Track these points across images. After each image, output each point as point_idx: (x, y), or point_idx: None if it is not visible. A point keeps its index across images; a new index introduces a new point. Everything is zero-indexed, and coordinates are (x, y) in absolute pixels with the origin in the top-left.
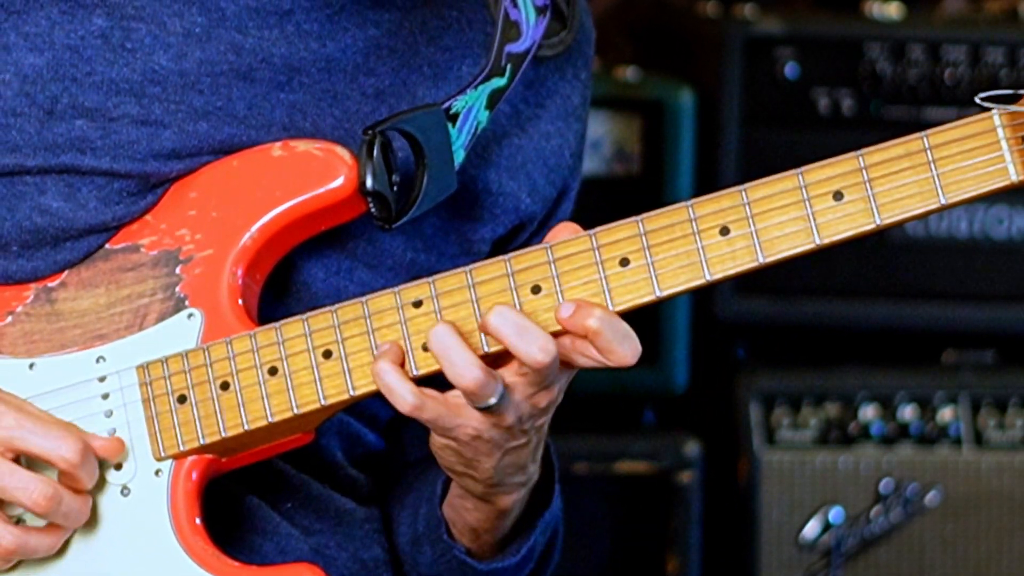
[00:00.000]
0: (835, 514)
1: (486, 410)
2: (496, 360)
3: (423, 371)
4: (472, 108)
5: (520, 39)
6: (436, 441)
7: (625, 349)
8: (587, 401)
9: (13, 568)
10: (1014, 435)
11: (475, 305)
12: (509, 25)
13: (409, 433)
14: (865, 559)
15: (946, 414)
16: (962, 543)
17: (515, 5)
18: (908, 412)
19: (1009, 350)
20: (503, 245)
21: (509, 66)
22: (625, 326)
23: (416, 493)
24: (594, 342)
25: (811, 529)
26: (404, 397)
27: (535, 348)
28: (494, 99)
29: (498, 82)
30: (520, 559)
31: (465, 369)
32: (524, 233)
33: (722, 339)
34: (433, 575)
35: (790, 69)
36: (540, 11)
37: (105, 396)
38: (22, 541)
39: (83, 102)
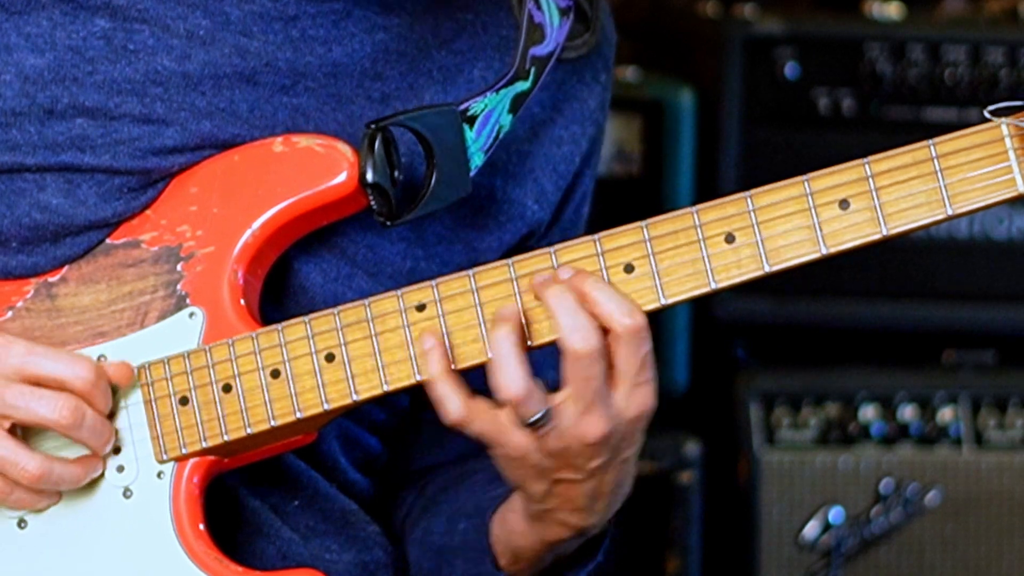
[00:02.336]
0: (835, 514)
1: (531, 426)
2: None
3: (426, 377)
4: (493, 111)
5: (544, 42)
6: (490, 448)
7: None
8: None
9: (15, 569)
10: (1014, 435)
11: (478, 309)
12: (533, 28)
13: (414, 441)
14: (865, 559)
15: (946, 414)
16: (962, 543)
17: (539, 7)
18: (908, 412)
19: (1009, 350)
20: (512, 255)
21: (533, 69)
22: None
23: (453, 504)
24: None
25: (811, 529)
26: (453, 409)
27: (578, 336)
28: (518, 103)
29: (522, 86)
30: None
31: (513, 380)
32: (533, 243)
33: (722, 339)
34: None
35: (790, 69)
36: (563, 13)
37: None
38: (47, 468)
39: (84, 102)
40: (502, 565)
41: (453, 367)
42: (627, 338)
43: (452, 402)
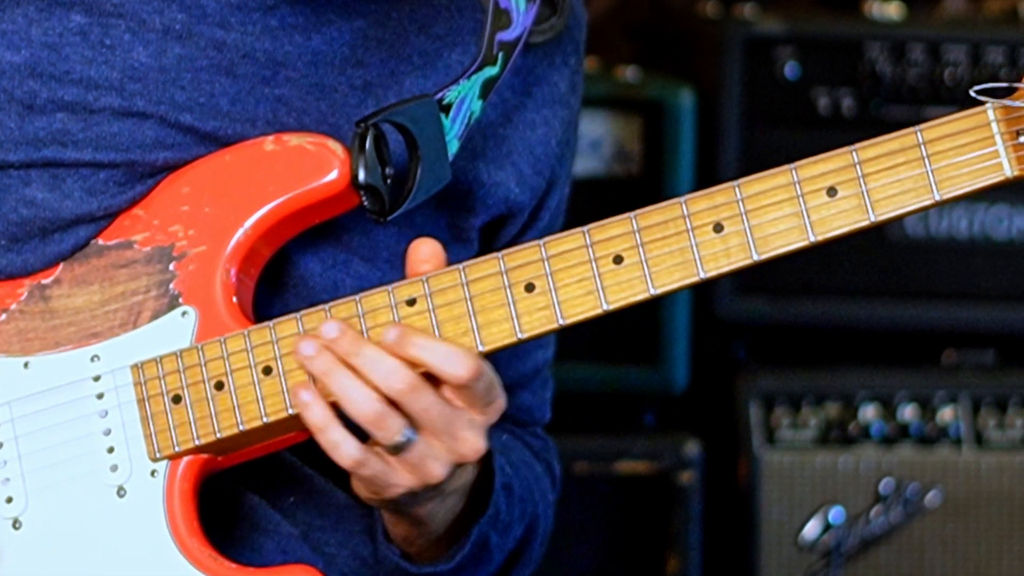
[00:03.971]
0: (835, 514)
1: (397, 451)
2: None
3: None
4: (465, 98)
5: (511, 27)
6: (365, 495)
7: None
8: (587, 401)
9: (10, 569)
10: (1014, 435)
11: (469, 303)
12: (500, 13)
13: None
14: (865, 559)
15: (946, 414)
16: (962, 543)
17: None
18: (908, 412)
19: (1009, 350)
20: (488, 233)
21: (501, 54)
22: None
23: None
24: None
25: (811, 529)
26: (349, 452)
27: (392, 379)
28: (487, 88)
29: (490, 71)
30: (456, 565)
31: (366, 403)
32: (512, 224)
33: (722, 339)
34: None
35: (790, 69)
36: None
37: (100, 396)
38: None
39: (62, 96)
40: (406, 551)
41: None
42: (456, 386)
43: (349, 445)
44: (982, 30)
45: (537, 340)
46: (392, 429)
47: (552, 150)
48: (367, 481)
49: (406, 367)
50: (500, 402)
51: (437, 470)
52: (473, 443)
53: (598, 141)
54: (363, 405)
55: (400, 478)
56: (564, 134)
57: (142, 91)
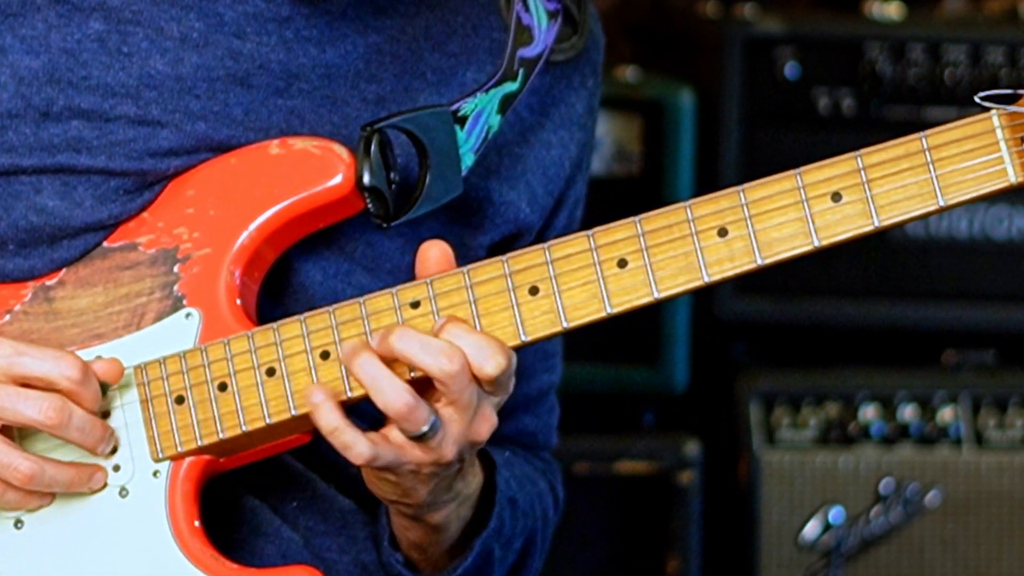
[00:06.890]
0: (835, 514)
1: (420, 439)
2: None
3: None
4: (483, 112)
5: (532, 43)
6: (372, 474)
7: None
8: (587, 401)
9: (12, 568)
10: (1014, 435)
11: (473, 306)
12: (521, 29)
13: None
14: (865, 559)
15: (946, 414)
16: (962, 543)
17: (527, 10)
18: (908, 412)
19: (1009, 350)
20: (495, 252)
21: (521, 71)
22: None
23: None
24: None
25: (811, 529)
26: (361, 451)
27: (443, 359)
28: (506, 104)
29: (510, 86)
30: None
31: (395, 395)
32: (520, 244)
33: (722, 339)
34: None
35: (790, 69)
36: (551, 15)
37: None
38: (38, 469)
39: (79, 103)
40: (414, 559)
41: None
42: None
43: (360, 444)
44: (982, 30)
45: (544, 363)
46: (420, 419)
47: (565, 171)
48: (382, 471)
49: (455, 348)
50: (512, 384)
51: (452, 452)
52: (492, 422)
53: (598, 141)
54: (394, 398)
55: (412, 456)
56: (579, 156)
57: (157, 99)
